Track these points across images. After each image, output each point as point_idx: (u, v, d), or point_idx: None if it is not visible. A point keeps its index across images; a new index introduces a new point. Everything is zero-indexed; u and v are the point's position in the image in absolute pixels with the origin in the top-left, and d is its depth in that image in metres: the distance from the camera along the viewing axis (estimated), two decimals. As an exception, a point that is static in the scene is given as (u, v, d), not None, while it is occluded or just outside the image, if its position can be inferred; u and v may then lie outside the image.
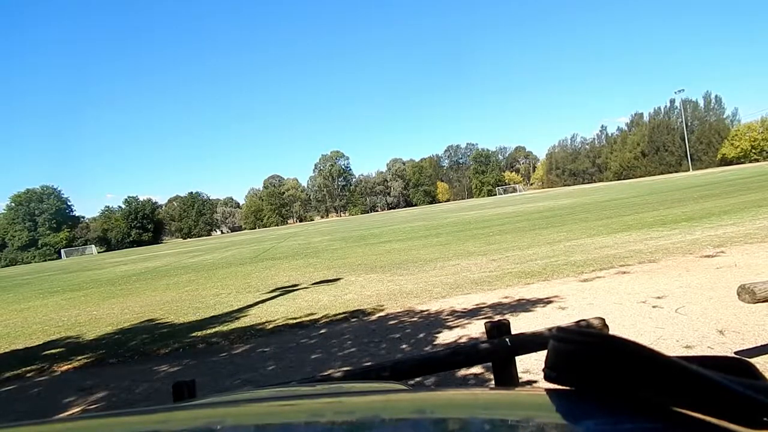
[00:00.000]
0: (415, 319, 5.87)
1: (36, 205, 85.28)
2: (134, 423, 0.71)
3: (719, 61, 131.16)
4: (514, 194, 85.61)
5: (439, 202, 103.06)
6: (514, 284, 7.03)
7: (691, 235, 9.31)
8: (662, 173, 74.41)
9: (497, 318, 4.61)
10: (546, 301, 5.81)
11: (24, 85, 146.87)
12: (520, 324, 4.83)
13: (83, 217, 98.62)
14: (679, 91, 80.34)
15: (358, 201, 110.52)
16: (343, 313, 6.58)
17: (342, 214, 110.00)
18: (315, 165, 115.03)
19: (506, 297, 6.33)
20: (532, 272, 7.72)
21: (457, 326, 5.26)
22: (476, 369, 3.80)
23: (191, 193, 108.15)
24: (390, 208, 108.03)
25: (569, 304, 5.53)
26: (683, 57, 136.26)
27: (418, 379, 3.21)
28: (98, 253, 78.65)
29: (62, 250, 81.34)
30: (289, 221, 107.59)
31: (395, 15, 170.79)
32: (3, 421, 4.19)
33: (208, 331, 6.59)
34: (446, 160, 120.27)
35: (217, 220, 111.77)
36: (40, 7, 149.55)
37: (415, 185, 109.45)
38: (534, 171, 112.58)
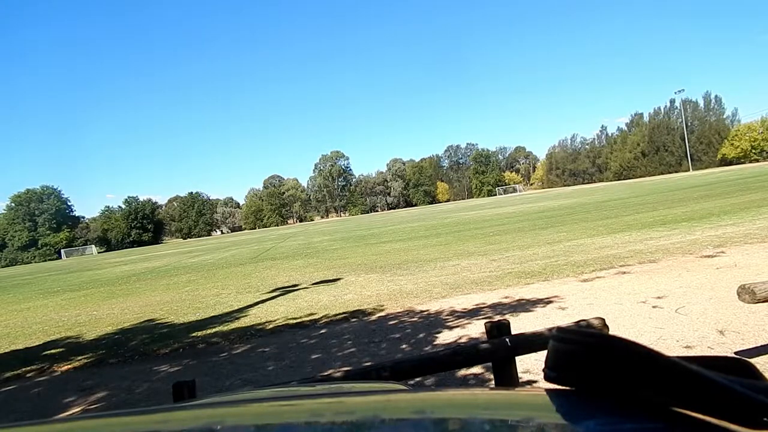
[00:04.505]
0: (415, 319, 5.87)
1: (36, 205, 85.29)
2: (134, 423, 0.71)
3: (719, 61, 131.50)
4: (514, 194, 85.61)
5: (439, 202, 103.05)
6: (514, 284, 7.03)
7: (691, 235, 9.31)
8: (662, 173, 74.42)
9: (497, 318, 4.60)
10: (546, 301, 5.81)
11: (24, 85, 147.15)
12: (520, 324, 4.83)
13: (83, 217, 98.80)
14: (679, 91, 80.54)
15: (358, 201, 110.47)
16: (343, 313, 6.58)
17: (342, 214, 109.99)
18: (315, 165, 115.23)
19: (506, 297, 6.32)
20: (532, 272, 7.72)
21: (457, 326, 5.26)
22: (476, 369, 3.80)
23: (191, 193, 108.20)
24: (390, 208, 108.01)
25: (569, 304, 5.53)
26: (683, 57, 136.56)
27: (418, 379, 3.20)
28: (98, 253, 78.66)
29: (62, 250, 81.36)
30: (289, 221, 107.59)
31: (395, 15, 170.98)
32: (3, 421, 4.19)
33: (208, 331, 6.59)
34: (446, 160, 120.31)
35: (217, 220, 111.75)
36: (40, 7, 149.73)
37: (415, 185, 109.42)
38: (534, 171, 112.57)
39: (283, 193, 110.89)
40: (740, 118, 78.80)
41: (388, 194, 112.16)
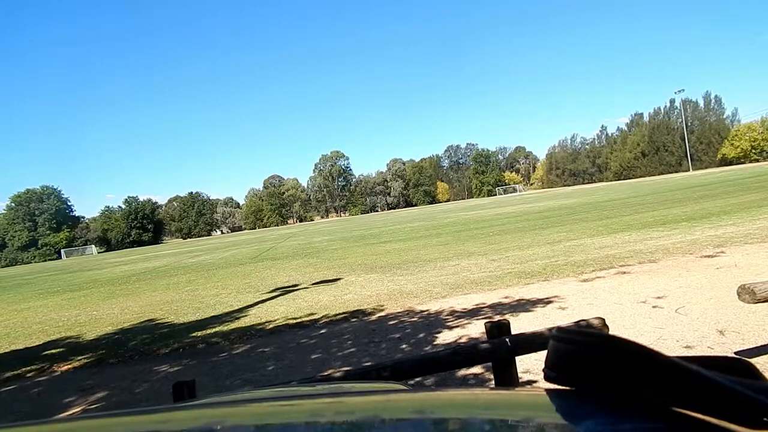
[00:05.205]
0: (415, 319, 5.87)
1: (36, 205, 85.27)
2: (134, 423, 0.71)
3: (719, 61, 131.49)
4: (514, 194, 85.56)
5: (439, 202, 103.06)
6: (514, 284, 7.03)
7: (691, 235, 9.31)
8: (662, 173, 74.41)
9: (497, 318, 4.61)
10: (546, 301, 5.81)
11: (24, 85, 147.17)
12: (520, 324, 4.83)
13: (83, 217, 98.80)
14: (679, 91, 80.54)
15: (358, 201, 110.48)
16: (343, 313, 6.58)
17: (342, 214, 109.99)
18: (315, 165, 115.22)
19: (506, 297, 6.32)
20: (532, 272, 7.71)
21: (457, 326, 5.26)
22: (476, 369, 3.80)
23: (191, 193, 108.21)
24: (390, 208, 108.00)
25: (569, 304, 5.53)
26: (683, 57, 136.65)
27: (418, 379, 3.20)
28: (98, 253, 78.64)
29: (62, 250, 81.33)
30: (289, 221, 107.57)
31: (395, 15, 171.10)
32: (3, 421, 4.19)
33: (208, 331, 6.59)
34: (446, 160, 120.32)
35: (217, 220, 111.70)
36: (40, 7, 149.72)
37: (415, 185, 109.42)
38: (534, 171, 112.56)
39: (283, 193, 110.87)
40: (740, 118, 78.95)
41: (388, 194, 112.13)
